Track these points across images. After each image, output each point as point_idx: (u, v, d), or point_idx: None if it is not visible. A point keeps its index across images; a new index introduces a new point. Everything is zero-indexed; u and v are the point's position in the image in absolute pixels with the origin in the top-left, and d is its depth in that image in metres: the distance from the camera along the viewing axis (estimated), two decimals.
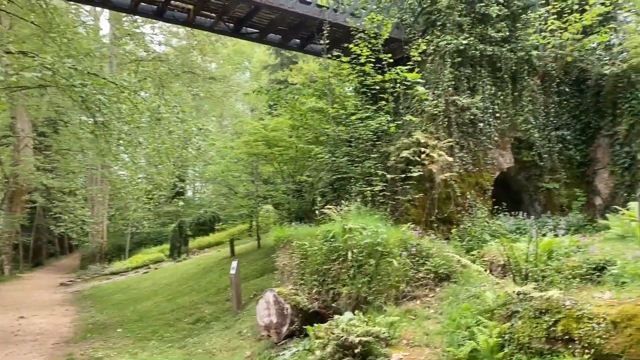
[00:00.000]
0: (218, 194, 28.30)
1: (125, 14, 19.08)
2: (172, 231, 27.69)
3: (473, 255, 9.23)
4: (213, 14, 12.97)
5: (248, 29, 13.78)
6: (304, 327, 7.51)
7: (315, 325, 6.94)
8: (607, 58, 14.21)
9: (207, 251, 26.73)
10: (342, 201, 10.80)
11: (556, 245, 7.06)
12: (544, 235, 7.94)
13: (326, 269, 8.47)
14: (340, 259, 8.37)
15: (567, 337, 4.64)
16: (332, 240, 8.62)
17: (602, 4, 13.46)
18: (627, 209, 9.19)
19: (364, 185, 11.45)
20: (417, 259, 8.24)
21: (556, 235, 8.04)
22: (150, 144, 14.02)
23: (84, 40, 15.27)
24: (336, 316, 6.99)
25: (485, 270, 6.95)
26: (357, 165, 12.10)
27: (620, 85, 13.37)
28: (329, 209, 10.01)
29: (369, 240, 8.16)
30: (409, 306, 7.46)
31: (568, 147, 14.11)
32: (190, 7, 12.45)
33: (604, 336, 4.41)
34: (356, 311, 7.22)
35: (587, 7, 13.44)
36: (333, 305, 8.26)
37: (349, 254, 8.17)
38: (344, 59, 12.79)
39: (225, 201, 24.95)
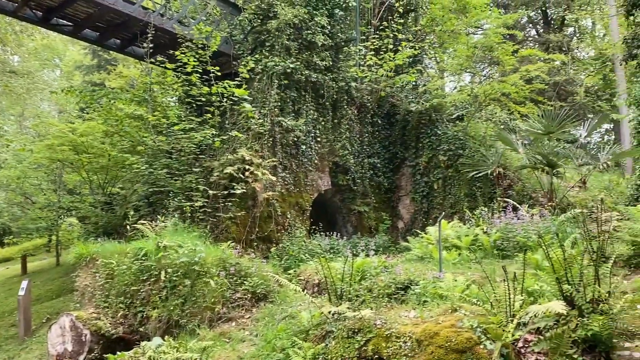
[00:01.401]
0: (11, 203, 24.82)
1: None
2: None
3: (290, 274, 9.32)
4: None
5: (60, 20, 12.35)
6: (105, 355, 6.74)
7: (119, 353, 6.33)
8: (413, 96, 15.88)
9: None
10: (158, 216, 10.24)
11: (367, 265, 7.46)
12: (356, 255, 8.35)
13: (135, 290, 7.84)
14: (152, 279, 7.82)
15: (376, 356, 4.81)
16: (143, 258, 8.04)
17: (412, 47, 15.09)
18: (426, 233, 10.21)
19: (183, 201, 10.96)
20: (235, 278, 8.09)
21: (367, 256, 8.52)
22: None
23: None
24: (143, 342, 6.44)
25: (303, 290, 7.03)
26: (177, 178, 11.56)
27: (423, 122, 15.01)
28: (143, 224, 9.39)
29: (185, 259, 7.77)
30: (224, 328, 7.19)
31: (378, 174, 15.35)
32: None
33: (409, 354, 4.62)
34: (167, 336, 6.76)
35: (400, 48, 14.93)
36: (141, 330, 7.65)
37: (163, 273, 7.68)
38: (168, 65, 12.20)
39: (19, 211, 21.93)
